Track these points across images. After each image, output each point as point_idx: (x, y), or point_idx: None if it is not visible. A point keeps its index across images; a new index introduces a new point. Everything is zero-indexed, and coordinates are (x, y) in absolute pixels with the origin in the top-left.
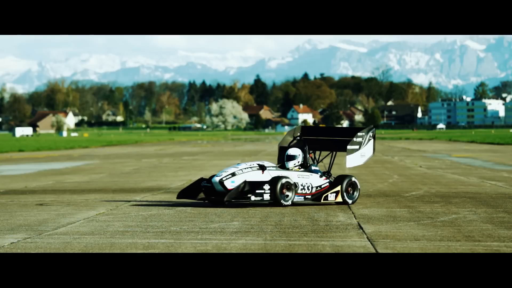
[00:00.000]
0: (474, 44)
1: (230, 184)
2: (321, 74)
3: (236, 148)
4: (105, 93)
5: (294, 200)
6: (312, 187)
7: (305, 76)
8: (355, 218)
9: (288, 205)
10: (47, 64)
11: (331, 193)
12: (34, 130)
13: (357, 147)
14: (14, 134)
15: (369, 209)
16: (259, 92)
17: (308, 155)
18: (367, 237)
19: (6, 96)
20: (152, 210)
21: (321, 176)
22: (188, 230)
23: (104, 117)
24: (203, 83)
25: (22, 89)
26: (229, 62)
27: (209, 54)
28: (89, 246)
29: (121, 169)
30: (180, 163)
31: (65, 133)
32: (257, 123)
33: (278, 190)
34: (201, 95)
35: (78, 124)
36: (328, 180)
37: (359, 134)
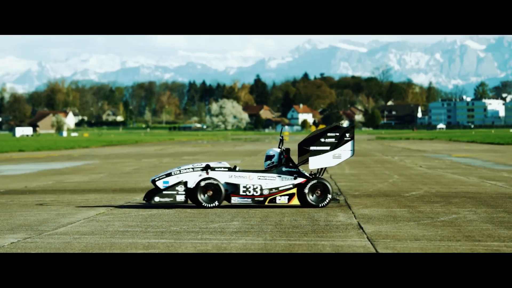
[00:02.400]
0: (474, 44)
1: (162, 184)
2: (321, 74)
3: (236, 148)
4: (105, 93)
5: (239, 202)
6: (263, 189)
7: (305, 76)
8: (355, 218)
9: (211, 207)
10: (47, 64)
11: (281, 195)
12: (34, 130)
13: (327, 148)
14: (14, 134)
15: (369, 209)
16: (259, 92)
17: (282, 156)
18: (367, 237)
19: (6, 96)
20: (152, 210)
21: (295, 178)
22: (188, 230)
23: (104, 117)
24: (203, 83)
25: (22, 89)
26: (229, 62)
27: (209, 54)
28: (89, 246)
29: (121, 169)
30: (180, 163)
31: (65, 133)
32: (257, 123)
33: (198, 191)
34: (201, 95)
35: (78, 124)
36: (294, 183)
37: (329, 134)
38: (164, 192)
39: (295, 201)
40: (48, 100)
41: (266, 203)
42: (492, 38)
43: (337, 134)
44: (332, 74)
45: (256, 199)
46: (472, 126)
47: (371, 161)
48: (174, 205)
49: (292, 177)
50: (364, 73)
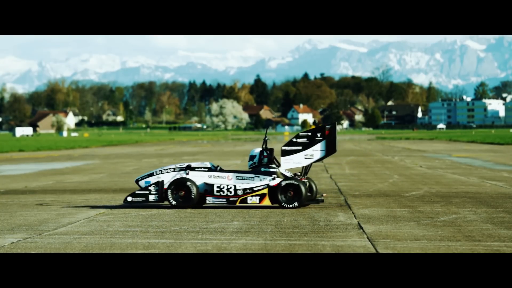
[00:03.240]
0: (474, 44)
1: (144, 184)
2: (321, 74)
3: (236, 148)
4: (105, 93)
5: (213, 202)
6: (237, 189)
7: (305, 76)
8: (355, 218)
9: (183, 207)
10: (47, 64)
11: (253, 196)
12: (34, 130)
13: (298, 148)
14: (14, 134)
15: (369, 209)
16: (259, 92)
17: (262, 156)
18: (367, 237)
19: (6, 96)
20: (152, 210)
21: (274, 179)
22: (188, 230)
23: (104, 117)
24: (203, 83)
25: (22, 89)
26: (229, 62)
27: (209, 54)
28: (89, 246)
29: (121, 169)
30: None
31: (65, 133)
32: (257, 123)
33: (170, 191)
34: (201, 95)
35: (78, 124)
36: (270, 183)
37: (301, 134)
38: (137, 192)
39: (267, 201)
40: (48, 100)
41: (237, 204)
42: (492, 38)
43: (309, 134)
44: (332, 74)
45: (230, 199)
46: (475, 126)
47: (371, 161)
48: (149, 205)
49: (271, 177)
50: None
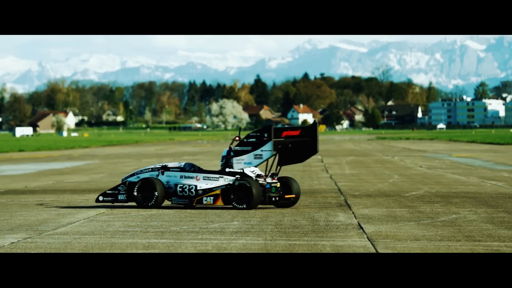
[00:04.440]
0: (474, 44)
1: None
2: (321, 74)
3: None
4: (105, 93)
5: (177, 202)
6: (197, 190)
7: (305, 76)
8: (355, 218)
9: (146, 207)
10: (47, 64)
11: (207, 196)
12: (34, 130)
13: (249, 148)
14: (14, 134)
15: (369, 209)
16: (259, 92)
17: (228, 156)
18: (367, 237)
19: (6, 96)
20: (152, 210)
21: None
22: (188, 230)
23: (104, 117)
24: (203, 83)
25: (22, 89)
26: (229, 62)
27: (209, 54)
28: (89, 246)
29: (121, 169)
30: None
31: (65, 133)
32: (257, 123)
33: (135, 191)
34: (201, 95)
35: (78, 124)
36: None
37: (251, 134)
38: (107, 192)
39: (220, 202)
40: (48, 100)
41: (194, 204)
42: (492, 38)
43: (258, 134)
44: (332, 74)
45: (192, 199)
46: (478, 126)
47: (371, 161)
48: (122, 205)
49: (234, 177)
50: (364, 73)
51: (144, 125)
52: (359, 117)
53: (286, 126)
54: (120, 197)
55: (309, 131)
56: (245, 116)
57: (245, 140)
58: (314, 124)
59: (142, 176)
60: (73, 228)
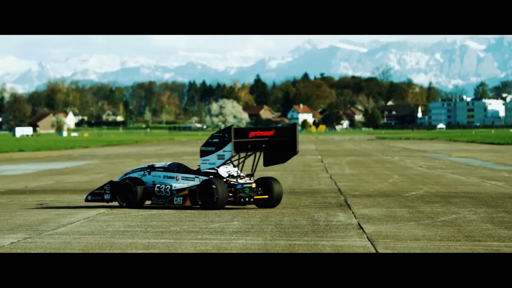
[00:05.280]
0: (474, 44)
1: None
2: (321, 74)
3: None
4: (105, 93)
5: (155, 202)
6: (172, 190)
7: (305, 76)
8: (355, 218)
9: (126, 206)
10: (47, 64)
11: (177, 196)
12: (34, 130)
13: (212, 148)
14: (14, 134)
15: (369, 209)
16: (259, 92)
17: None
18: (367, 237)
19: (6, 96)
20: (152, 210)
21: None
22: (188, 230)
23: (104, 117)
24: (203, 83)
25: (22, 89)
26: (229, 62)
27: (209, 54)
28: (89, 246)
29: (121, 169)
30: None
31: (65, 133)
32: (257, 123)
33: (117, 190)
34: (201, 95)
35: (78, 124)
36: (192, 184)
37: (214, 134)
38: (95, 191)
39: (188, 202)
40: (48, 100)
41: (166, 204)
42: (492, 38)
43: (221, 135)
44: (332, 74)
45: (168, 199)
46: (481, 126)
47: (371, 161)
48: (106, 205)
49: (213, 178)
50: (364, 73)
51: (144, 125)
52: (359, 117)
53: (257, 126)
54: (106, 196)
55: (287, 131)
56: (245, 116)
57: (209, 140)
58: (294, 125)
59: (132, 176)
60: (73, 228)
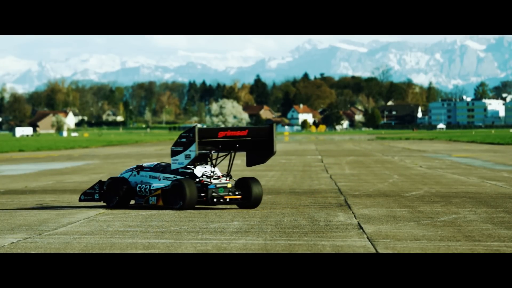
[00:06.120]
0: (474, 44)
1: None
2: (321, 74)
3: None
4: (105, 93)
5: (138, 202)
6: (151, 190)
7: (305, 76)
8: (355, 218)
9: (111, 206)
10: (47, 64)
11: (151, 196)
12: (34, 130)
13: (180, 148)
14: (14, 134)
15: (369, 209)
16: (259, 92)
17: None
18: (367, 237)
19: (6, 96)
20: (152, 210)
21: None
22: (188, 230)
23: (104, 117)
24: (203, 83)
25: (22, 89)
26: (229, 62)
27: (209, 54)
28: (89, 246)
29: (121, 169)
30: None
31: (65, 133)
32: (257, 123)
33: (104, 190)
34: (201, 95)
35: (78, 124)
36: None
37: (182, 134)
38: (87, 191)
39: (161, 202)
40: (48, 100)
41: (143, 204)
42: (492, 38)
43: (187, 134)
44: (332, 74)
45: (145, 199)
46: (483, 126)
47: (371, 161)
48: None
49: (183, 178)
50: (364, 73)
51: (144, 125)
52: (359, 117)
53: (227, 126)
54: (96, 196)
55: (263, 132)
56: (245, 116)
57: (178, 140)
58: (271, 125)
59: (121, 175)
60: (73, 228)
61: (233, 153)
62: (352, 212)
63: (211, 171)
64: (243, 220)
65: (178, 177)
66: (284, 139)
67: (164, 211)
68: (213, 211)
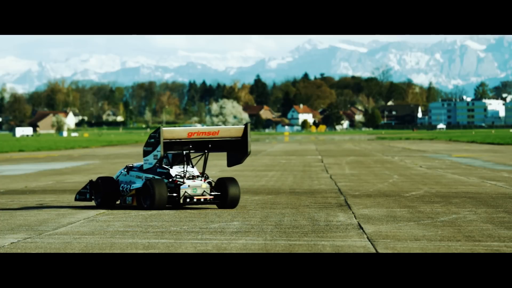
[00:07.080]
0: (474, 44)
1: None
2: (321, 74)
3: None
4: (105, 93)
5: (120, 201)
6: (130, 190)
7: (305, 76)
8: (355, 218)
9: (98, 205)
10: (47, 64)
11: (128, 196)
12: (34, 130)
13: (150, 148)
14: (14, 134)
15: (369, 209)
16: (259, 92)
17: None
18: (367, 237)
19: (6, 96)
20: (152, 210)
21: (163, 179)
22: (188, 230)
23: (104, 117)
24: (203, 83)
25: (22, 89)
26: (229, 62)
27: (209, 54)
28: (89, 246)
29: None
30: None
31: (65, 133)
32: (257, 123)
33: (90, 189)
34: (201, 95)
35: (78, 124)
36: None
37: (151, 135)
38: (81, 190)
39: (135, 202)
40: (48, 100)
41: (122, 204)
42: (492, 38)
43: (155, 135)
44: (332, 74)
45: (123, 198)
46: (486, 126)
47: (371, 161)
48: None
49: (161, 177)
50: (364, 73)
51: (144, 125)
52: (359, 117)
53: (200, 126)
54: (87, 195)
55: (236, 132)
56: (245, 116)
57: (148, 140)
58: (245, 124)
59: (115, 176)
60: (73, 228)
61: (207, 153)
62: (352, 212)
63: (185, 171)
64: (243, 220)
65: (156, 177)
66: (284, 139)
67: (164, 211)
68: (213, 211)
